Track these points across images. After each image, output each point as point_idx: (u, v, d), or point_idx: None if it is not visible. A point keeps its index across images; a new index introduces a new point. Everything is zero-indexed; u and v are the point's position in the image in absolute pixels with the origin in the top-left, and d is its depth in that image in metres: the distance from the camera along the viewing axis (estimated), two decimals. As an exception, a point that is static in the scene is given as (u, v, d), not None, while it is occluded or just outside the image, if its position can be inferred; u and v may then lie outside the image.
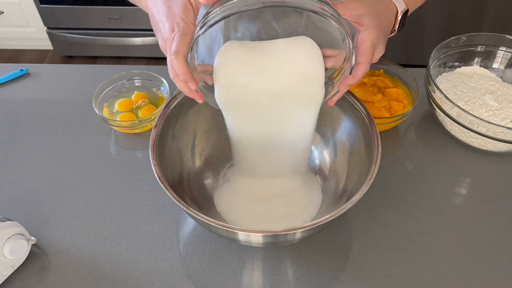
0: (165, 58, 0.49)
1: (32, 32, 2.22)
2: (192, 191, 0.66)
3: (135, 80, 0.85)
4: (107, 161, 0.76)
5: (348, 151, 0.67)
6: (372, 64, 0.82)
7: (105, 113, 0.81)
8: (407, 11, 0.60)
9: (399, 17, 0.59)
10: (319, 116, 0.71)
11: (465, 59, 0.86)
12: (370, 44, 0.52)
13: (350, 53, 0.50)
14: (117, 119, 0.79)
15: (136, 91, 0.84)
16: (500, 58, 0.85)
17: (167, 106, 0.64)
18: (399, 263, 0.63)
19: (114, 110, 0.81)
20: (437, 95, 0.75)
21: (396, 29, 0.60)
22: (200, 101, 0.53)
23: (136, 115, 0.80)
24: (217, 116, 0.73)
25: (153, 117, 0.77)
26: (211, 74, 0.55)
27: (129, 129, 0.79)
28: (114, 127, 0.80)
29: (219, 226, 0.50)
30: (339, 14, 0.47)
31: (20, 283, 0.61)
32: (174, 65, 0.47)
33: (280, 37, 0.53)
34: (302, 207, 0.66)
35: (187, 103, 0.67)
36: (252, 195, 0.67)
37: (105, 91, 0.81)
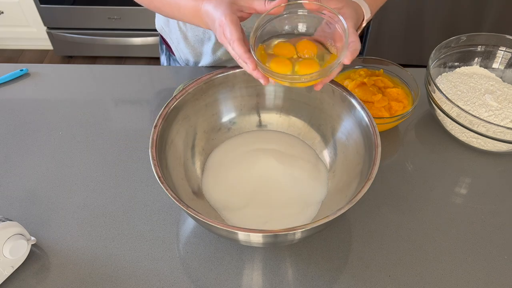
0: None
1: (32, 32, 2.22)
2: (192, 191, 0.66)
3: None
4: (107, 161, 0.76)
5: (348, 151, 0.67)
6: (372, 64, 0.82)
7: (260, 53, 0.61)
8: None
9: (364, 24, 0.63)
10: (319, 116, 0.71)
11: (465, 59, 0.86)
12: (352, 30, 0.59)
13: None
14: (269, 64, 0.60)
15: (305, 38, 0.62)
16: (500, 58, 0.85)
17: (167, 106, 0.64)
18: (399, 263, 0.63)
19: (270, 51, 0.62)
20: (437, 95, 0.75)
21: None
22: (263, 83, 0.58)
23: (292, 67, 0.61)
24: (217, 116, 0.73)
25: (309, 77, 0.58)
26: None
27: (279, 79, 0.59)
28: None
29: (219, 226, 0.51)
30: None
31: (20, 283, 0.61)
32: (234, 48, 0.55)
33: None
34: (302, 207, 0.66)
35: (188, 103, 0.67)
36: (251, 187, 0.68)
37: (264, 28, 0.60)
